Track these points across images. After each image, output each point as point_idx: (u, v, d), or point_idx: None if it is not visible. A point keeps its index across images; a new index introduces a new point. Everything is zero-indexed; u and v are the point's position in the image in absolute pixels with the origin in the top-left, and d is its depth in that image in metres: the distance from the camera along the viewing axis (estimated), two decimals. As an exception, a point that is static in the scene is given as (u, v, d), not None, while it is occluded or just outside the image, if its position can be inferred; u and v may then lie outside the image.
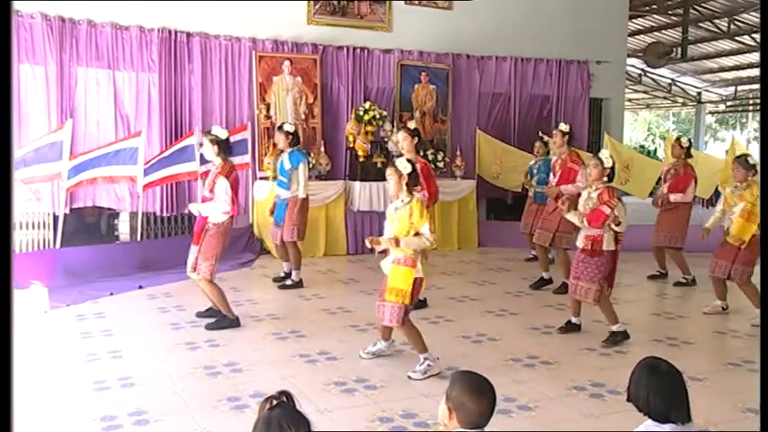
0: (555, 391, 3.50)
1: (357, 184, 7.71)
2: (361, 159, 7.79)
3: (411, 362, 3.90)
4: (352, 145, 7.88)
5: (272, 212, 6.04)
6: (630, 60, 13.69)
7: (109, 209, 7.47)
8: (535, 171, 6.99)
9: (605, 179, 4.30)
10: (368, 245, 3.64)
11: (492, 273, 6.83)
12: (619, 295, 5.04)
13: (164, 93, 7.34)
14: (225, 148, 4.51)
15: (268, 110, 7.77)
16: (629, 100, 19.96)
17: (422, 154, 8.28)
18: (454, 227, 8.22)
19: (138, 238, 6.92)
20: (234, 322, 4.60)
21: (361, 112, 7.88)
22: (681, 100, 20.16)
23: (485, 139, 8.65)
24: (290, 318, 4.94)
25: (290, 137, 5.80)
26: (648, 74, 17.81)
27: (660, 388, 1.85)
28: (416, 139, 5.10)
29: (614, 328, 4.41)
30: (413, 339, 3.79)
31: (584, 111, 9.48)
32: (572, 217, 4.31)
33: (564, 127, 5.91)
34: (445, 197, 8.12)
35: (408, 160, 3.78)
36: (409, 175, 3.67)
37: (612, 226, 4.17)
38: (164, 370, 3.76)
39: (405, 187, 3.67)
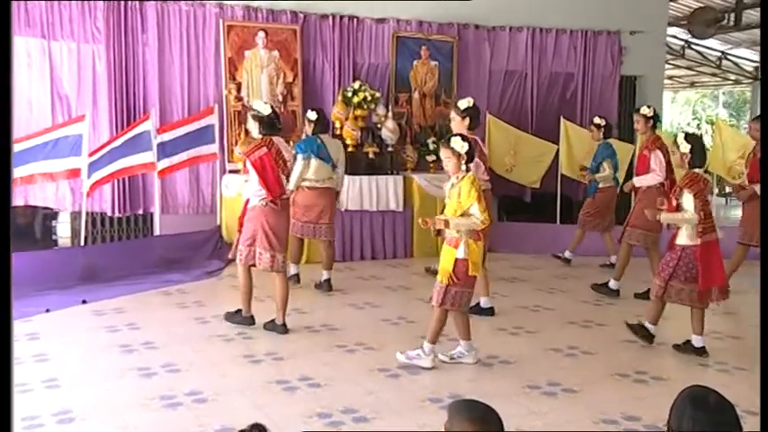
0: (580, 425, 3.49)
1: (345, 178, 7.66)
2: (349, 149, 7.77)
3: (407, 392, 3.86)
4: (339, 132, 7.86)
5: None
6: (671, 30, 13.62)
7: (45, 208, 7.41)
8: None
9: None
10: (420, 225, 4.12)
11: (504, 283, 6.83)
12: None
13: (112, 69, 7.30)
14: (268, 124, 4.87)
15: (239, 90, 7.75)
16: (670, 77, 19.91)
17: (422, 143, 8.34)
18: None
19: (82, 243, 6.86)
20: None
21: (350, 94, 7.87)
22: (733, 77, 20.06)
23: (496, 126, 8.65)
24: (265, 337, 4.92)
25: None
26: (693, 46, 17.72)
27: (707, 424, 1.81)
28: (468, 120, 5.28)
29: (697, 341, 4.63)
30: (433, 325, 4.21)
31: (614, 91, 9.52)
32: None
33: (647, 110, 6.07)
34: (449, 194, 8.11)
35: (462, 137, 4.21)
36: (467, 153, 4.12)
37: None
38: (110, 402, 3.72)
39: (463, 166, 4.13)
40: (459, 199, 4.00)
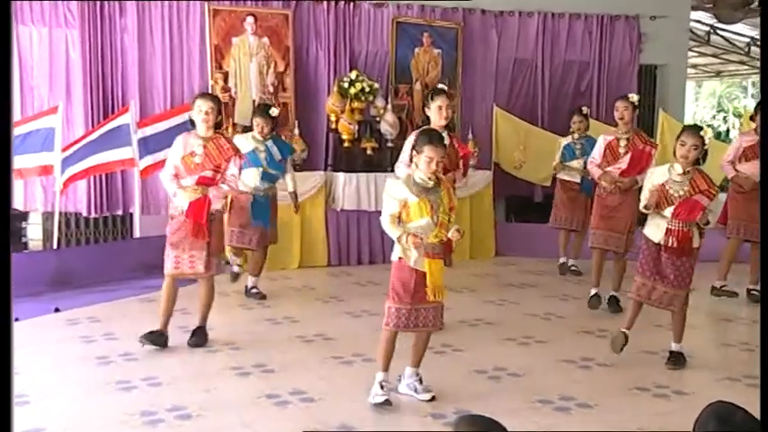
0: (595, 443, 3.48)
1: (341, 175, 7.70)
2: (345, 144, 7.79)
3: (408, 408, 3.85)
4: (334, 126, 7.87)
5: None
6: (695, 14, 13.55)
7: (13, 209, 7.40)
8: (578, 153, 7.21)
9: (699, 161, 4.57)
10: (458, 236, 3.84)
11: (513, 289, 6.83)
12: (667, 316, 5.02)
13: (87, 56, 7.31)
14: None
15: (225, 80, 7.76)
16: (693, 66, 19.81)
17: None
18: (465, 230, 8.16)
19: (55, 246, 6.86)
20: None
21: (346, 84, 7.87)
22: (764, 65, 19.92)
23: (504, 119, 8.66)
24: (254, 347, 4.92)
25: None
26: (720, 31, 17.62)
27: None
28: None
29: (678, 347, 4.67)
30: (423, 348, 4.09)
31: (632, 81, 9.51)
32: (642, 205, 4.60)
33: (635, 97, 6.03)
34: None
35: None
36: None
37: (700, 223, 4.49)
38: (86, 419, 3.71)
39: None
40: (452, 203, 3.89)
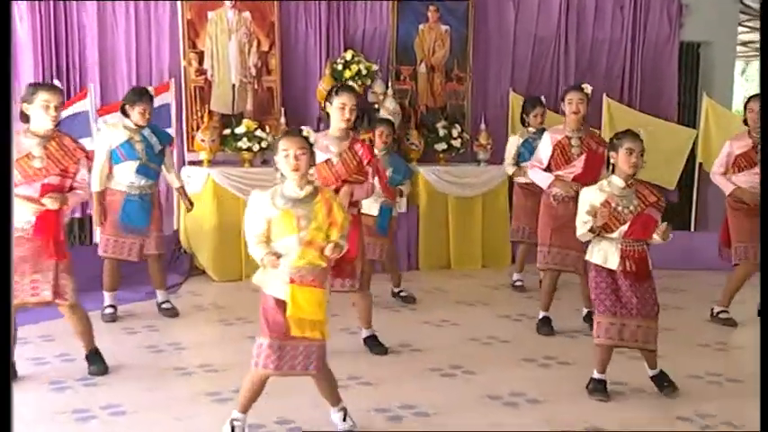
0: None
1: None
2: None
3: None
4: (326, 114, 7.84)
5: None
6: (746, -16, 13.57)
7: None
8: (526, 152, 6.99)
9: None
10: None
11: (532, 303, 6.79)
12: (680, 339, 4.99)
13: (38, 32, 7.28)
14: None
15: (200, 61, 7.75)
16: (743, 44, 19.66)
17: (430, 129, 8.33)
18: (477, 235, 8.24)
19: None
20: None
21: (341, 67, 7.86)
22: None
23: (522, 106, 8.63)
24: (234, 369, 4.85)
25: None
26: (773, 4, 17.59)
27: None
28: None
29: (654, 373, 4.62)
30: (333, 386, 3.94)
31: (671, 61, 9.50)
32: (585, 230, 4.44)
33: (588, 88, 5.84)
34: (464, 191, 8.13)
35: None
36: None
37: (657, 237, 4.38)
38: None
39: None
40: (333, 219, 3.66)
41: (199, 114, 7.67)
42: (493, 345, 5.58)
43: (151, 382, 4.66)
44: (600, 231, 4.41)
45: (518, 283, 7.27)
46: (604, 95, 8.43)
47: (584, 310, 6.02)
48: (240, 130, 7.51)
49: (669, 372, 4.65)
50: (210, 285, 7.19)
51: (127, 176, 5.83)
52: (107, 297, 6.05)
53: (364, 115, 7.95)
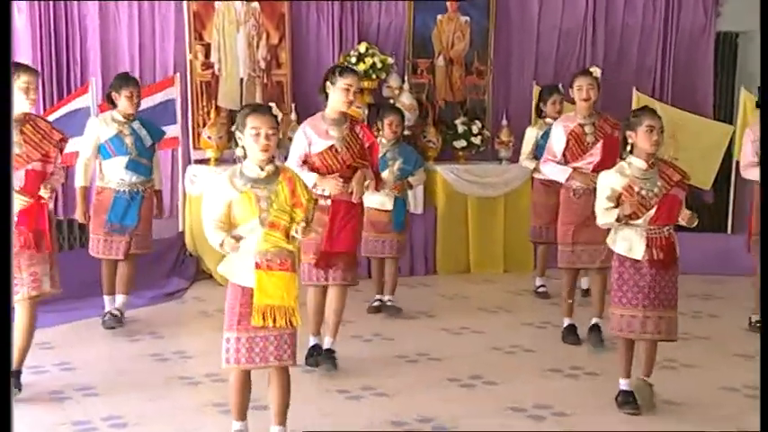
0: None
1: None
2: (352, 132, 7.76)
3: None
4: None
5: None
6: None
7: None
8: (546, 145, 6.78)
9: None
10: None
11: (557, 310, 6.68)
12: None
13: (37, 25, 7.30)
14: None
15: (207, 54, 7.76)
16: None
17: (448, 125, 8.30)
18: (498, 238, 8.20)
19: None
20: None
21: (354, 59, 7.85)
22: None
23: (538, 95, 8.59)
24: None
25: None
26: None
27: None
28: None
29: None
30: (288, 393, 3.79)
31: (707, 53, 9.42)
32: (612, 215, 4.36)
33: (597, 71, 5.83)
34: (485, 191, 8.09)
35: None
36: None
37: (683, 222, 4.34)
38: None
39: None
40: (297, 199, 3.65)
41: (205, 110, 7.67)
42: (516, 354, 5.55)
43: (155, 393, 4.66)
44: (625, 219, 4.34)
45: (541, 290, 7.20)
46: (634, 89, 8.38)
47: (593, 320, 5.87)
48: (249, 126, 7.50)
49: (703, 384, 4.61)
50: (217, 290, 7.12)
51: (116, 173, 5.81)
52: (106, 301, 6.03)
53: (379, 110, 7.94)
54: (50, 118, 6.75)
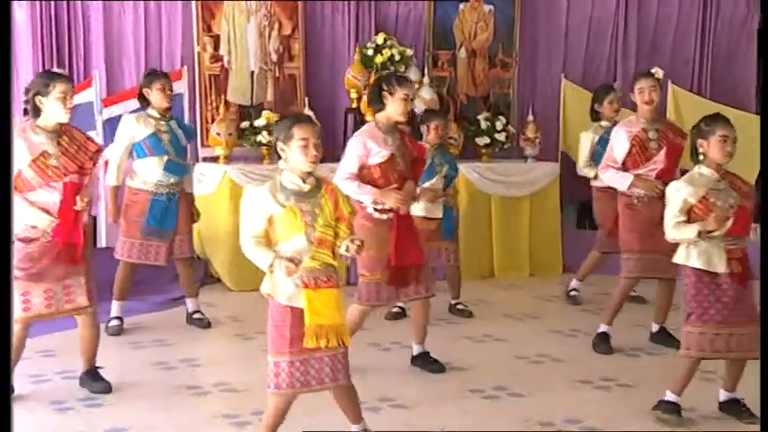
0: None
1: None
2: (369, 128, 7.76)
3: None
4: (355, 104, 7.86)
5: None
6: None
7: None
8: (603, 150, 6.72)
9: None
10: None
11: (588, 316, 6.77)
12: None
13: (38, 16, 7.33)
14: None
15: (216, 46, 7.78)
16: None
17: (471, 121, 8.28)
18: (523, 240, 8.20)
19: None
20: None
21: (371, 52, 7.86)
22: None
23: (575, 95, 8.56)
24: (254, 389, 4.87)
25: None
26: None
27: None
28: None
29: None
30: (357, 398, 3.94)
31: (750, 46, 9.37)
32: (692, 230, 4.33)
33: (660, 72, 5.82)
34: (509, 191, 8.07)
35: None
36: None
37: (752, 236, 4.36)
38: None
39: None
40: (340, 213, 3.71)
41: (214, 105, 7.68)
42: (543, 363, 5.54)
43: (161, 403, 4.66)
44: (705, 234, 4.30)
45: (573, 293, 7.18)
46: (669, 82, 8.32)
47: (654, 326, 5.91)
48: (260, 122, 7.52)
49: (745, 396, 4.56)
50: (227, 295, 7.20)
51: (153, 174, 5.86)
52: (116, 307, 6.06)
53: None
54: (15, 130, 6.81)
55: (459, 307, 6.69)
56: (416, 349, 5.32)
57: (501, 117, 8.42)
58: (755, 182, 8.45)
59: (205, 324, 6.18)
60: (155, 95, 5.87)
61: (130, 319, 6.23)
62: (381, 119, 4.97)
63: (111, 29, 7.65)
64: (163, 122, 5.92)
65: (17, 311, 4.49)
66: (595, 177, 6.78)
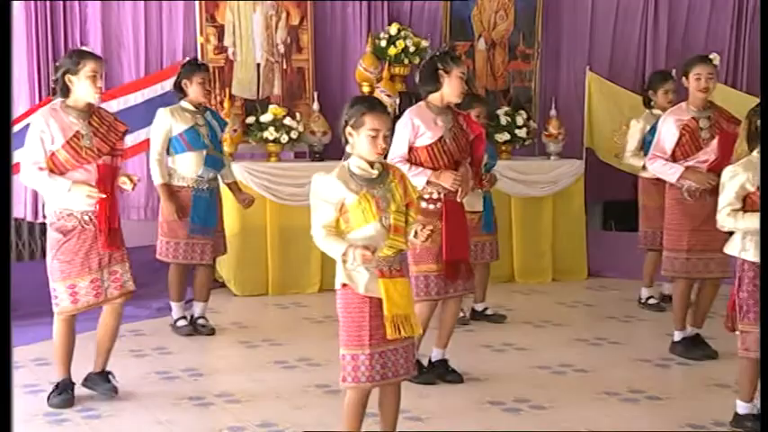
0: None
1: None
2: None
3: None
4: (367, 98, 7.85)
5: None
6: None
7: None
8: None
9: None
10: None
11: (614, 324, 6.78)
12: None
13: (32, 5, 7.35)
14: None
15: (220, 37, 7.80)
16: None
17: (490, 116, 8.27)
18: (546, 242, 8.20)
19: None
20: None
21: (384, 43, 7.88)
22: None
23: (602, 88, 8.58)
24: (259, 399, 4.92)
25: None
26: None
27: None
28: None
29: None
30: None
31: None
32: (752, 220, 4.27)
33: (717, 58, 5.80)
34: (531, 190, 8.05)
35: None
36: None
37: None
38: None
39: None
40: (410, 198, 3.79)
41: (218, 99, 7.69)
42: (566, 374, 5.52)
43: (162, 414, 4.67)
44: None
45: (651, 301, 7.13)
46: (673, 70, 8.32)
47: (679, 335, 5.84)
48: (266, 117, 7.53)
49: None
50: (231, 301, 7.21)
51: (193, 169, 5.98)
52: (176, 308, 6.22)
53: (411, 100, 7.93)
54: (45, 110, 6.83)
55: (489, 312, 6.65)
56: (436, 354, 5.29)
57: (522, 112, 8.41)
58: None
59: (209, 331, 6.22)
60: (194, 89, 6.00)
61: (131, 325, 6.25)
62: (434, 99, 5.03)
63: (108, 19, 7.65)
64: (199, 115, 6.03)
65: (64, 305, 4.66)
66: (643, 168, 6.80)
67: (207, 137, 6.01)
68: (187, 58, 6.60)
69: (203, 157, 5.98)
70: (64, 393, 4.75)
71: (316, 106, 7.79)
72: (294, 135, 7.51)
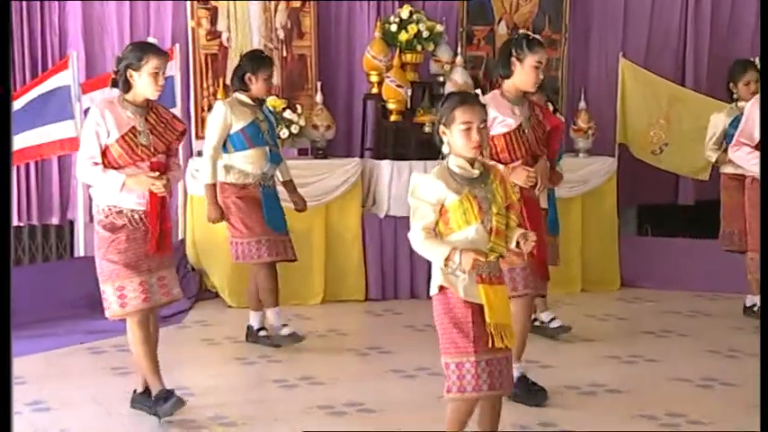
0: None
1: (385, 165, 7.72)
2: (393, 117, 7.78)
3: None
4: (375, 89, 7.88)
5: None
6: None
7: None
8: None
9: None
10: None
11: (650, 339, 6.79)
12: None
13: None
14: None
15: (213, 21, 7.82)
16: None
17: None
18: (575, 248, 8.18)
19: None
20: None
21: (395, 27, 7.88)
22: None
23: (636, 78, 8.60)
24: (256, 422, 4.93)
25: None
26: None
27: None
28: None
29: None
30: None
31: None
32: None
33: None
34: (558, 190, 7.94)
35: None
36: None
37: None
38: None
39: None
40: (510, 200, 3.87)
41: (211, 90, 7.73)
42: (597, 395, 5.50)
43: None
44: None
45: (757, 308, 7.04)
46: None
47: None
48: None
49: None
50: (225, 313, 7.21)
51: (258, 165, 6.10)
52: (274, 316, 6.23)
53: (425, 91, 7.94)
54: (25, 98, 6.90)
55: (555, 324, 6.61)
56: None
57: (548, 104, 8.38)
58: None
59: (296, 339, 6.20)
60: (259, 85, 6.13)
61: (114, 339, 6.22)
62: (508, 87, 5.11)
63: (90, 2, 7.67)
64: (258, 110, 6.17)
65: (114, 309, 4.76)
66: (718, 162, 6.99)
67: (267, 132, 6.14)
68: (251, 49, 6.78)
69: (266, 153, 6.10)
70: (170, 398, 4.80)
71: (319, 98, 7.79)
72: (295, 130, 7.51)
